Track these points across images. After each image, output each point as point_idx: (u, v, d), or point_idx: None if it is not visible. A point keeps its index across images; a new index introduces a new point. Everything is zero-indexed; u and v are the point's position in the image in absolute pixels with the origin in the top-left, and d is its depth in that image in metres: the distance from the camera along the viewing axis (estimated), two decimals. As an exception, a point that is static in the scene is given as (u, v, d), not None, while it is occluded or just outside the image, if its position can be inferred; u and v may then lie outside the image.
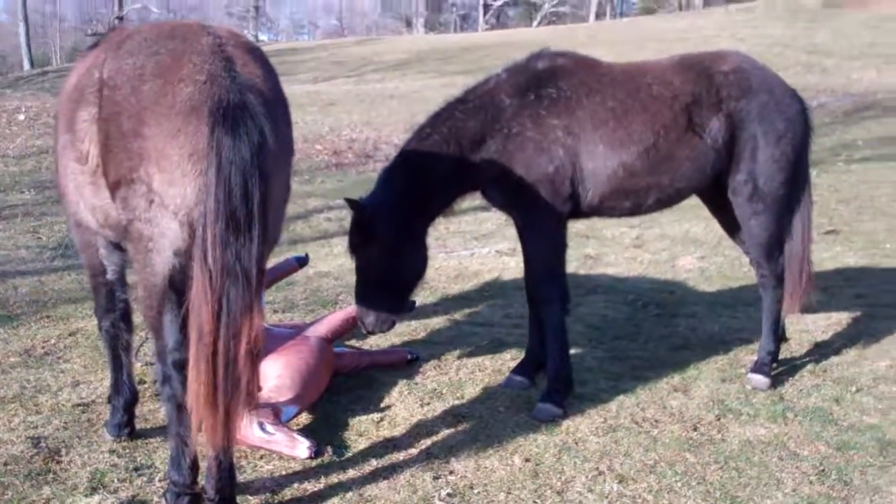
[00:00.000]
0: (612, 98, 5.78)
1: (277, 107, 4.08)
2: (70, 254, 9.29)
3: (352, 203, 5.74)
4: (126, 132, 3.90)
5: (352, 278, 8.54)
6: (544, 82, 5.80)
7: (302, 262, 6.68)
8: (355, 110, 23.92)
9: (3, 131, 18.29)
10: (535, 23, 67.45)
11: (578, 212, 5.89)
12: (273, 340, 5.70)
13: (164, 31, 4.16)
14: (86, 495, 4.51)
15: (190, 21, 4.41)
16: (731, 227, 6.53)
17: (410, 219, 5.80)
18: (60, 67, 47.26)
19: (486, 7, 70.14)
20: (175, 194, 3.83)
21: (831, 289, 8.39)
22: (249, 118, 3.75)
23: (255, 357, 3.86)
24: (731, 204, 6.15)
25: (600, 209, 5.94)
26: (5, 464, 4.83)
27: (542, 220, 5.74)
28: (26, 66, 53.05)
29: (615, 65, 6.18)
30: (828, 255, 9.71)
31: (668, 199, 6.04)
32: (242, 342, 3.77)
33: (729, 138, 5.89)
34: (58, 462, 4.89)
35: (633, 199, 5.89)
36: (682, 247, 10.24)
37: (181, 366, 4.12)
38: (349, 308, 6.34)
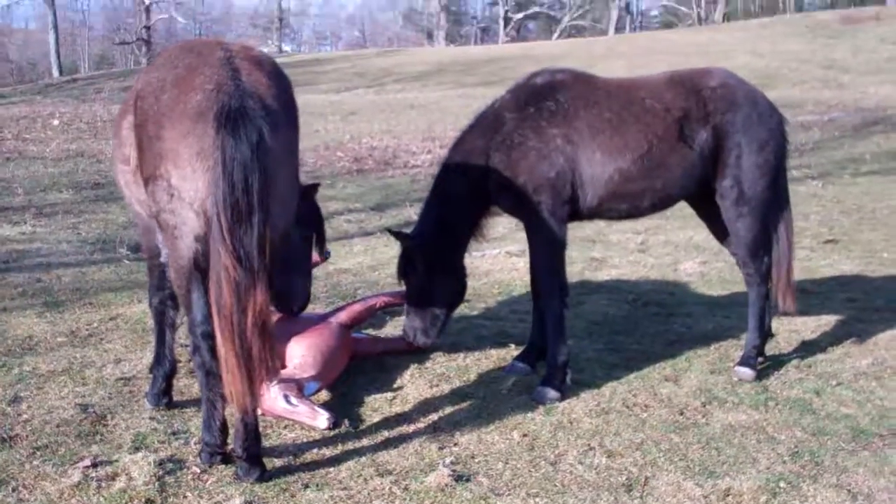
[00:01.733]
0: (608, 109, 6.31)
1: (279, 110, 4.61)
2: (108, 248, 9.90)
3: (398, 236, 6.58)
4: (151, 136, 4.54)
5: (369, 275, 9.14)
6: (543, 96, 6.35)
7: (325, 255, 7.22)
8: (376, 119, 24.48)
9: (39, 135, 19.04)
10: (554, 36, 67.94)
11: (578, 214, 6.43)
12: (299, 324, 6.26)
13: (186, 47, 4.88)
14: (130, 453, 5.07)
15: (211, 39, 5.05)
16: (719, 230, 7.03)
17: (446, 249, 6.56)
18: (89, 75, 48.18)
19: (507, 20, 70.70)
20: (189, 188, 4.44)
21: (824, 293, 8.86)
22: (249, 121, 4.35)
23: (263, 329, 4.40)
24: (718, 209, 6.64)
25: (599, 211, 6.47)
26: (58, 426, 5.42)
27: (544, 221, 6.27)
28: (55, 73, 54.17)
29: (611, 79, 6.74)
30: (825, 263, 10.15)
31: (660, 203, 6.55)
32: (249, 316, 4.35)
33: (715, 147, 6.40)
34: (104, 425, 5.48)
35: (630, 201, 6.41)
36: (685, 252, 10.72)
37: (208, 336, 4.69)
38: (369, 299, 6.93)
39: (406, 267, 6.61)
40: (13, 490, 4.61)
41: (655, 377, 6.62)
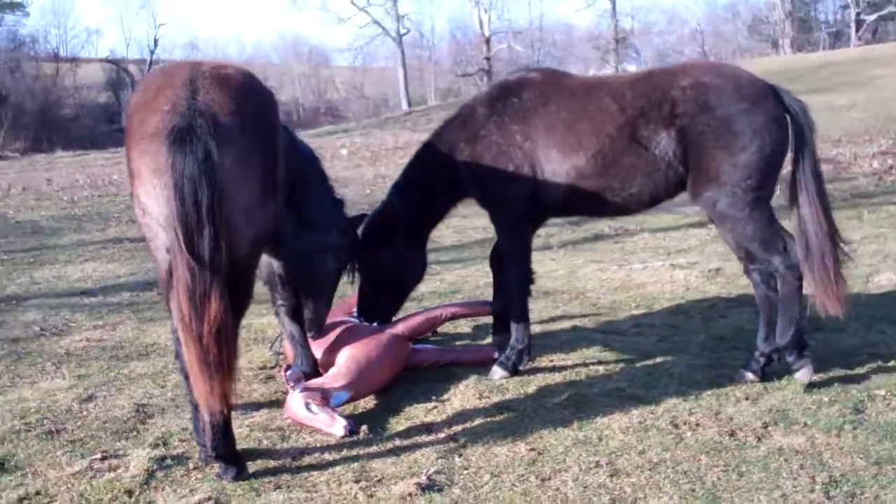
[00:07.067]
0: (565, 108, 6.34)
1: (236, 126, 4.83)
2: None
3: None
4: (127, 157, 4.99)
5: (432, 285, 9.21)
6: (510, 93, 6.55)
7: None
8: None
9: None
10: (914, 35, 62.13)
11: (546, 208, 6.55)
12: (353, 334, 6.49)
13: (163, 70, 5.27)
14: (145, 448, 5.50)
15: (188, 61, 5.40)
16: None
17: (415, 227, 6.82)
18: (426, 107, 51.37)
19: (859, 23, 65.55)
20: (153, 204, 4.80)
21: None
22: (196, 138, 4.62)
23: (219, 336, 4.65)
24: None
25: (564, 207, 6.55)
26: (104, 422, 6.01)
27: (506, 212, 6.57)
28: (404, 106, 58.55)
29: (582, 78, 6.78)
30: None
31: (625, 203, 6.39)
32: (205, 323, 4.61)
33: (682, 152, 6.07)
34: (144, 423, 5.99)
35: (591, 199, 6.35)
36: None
37: None
38: (433, 310, 7.03)
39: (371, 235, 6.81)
40: (22, 475, 5.19)
41: (734, 395, 6.11)
